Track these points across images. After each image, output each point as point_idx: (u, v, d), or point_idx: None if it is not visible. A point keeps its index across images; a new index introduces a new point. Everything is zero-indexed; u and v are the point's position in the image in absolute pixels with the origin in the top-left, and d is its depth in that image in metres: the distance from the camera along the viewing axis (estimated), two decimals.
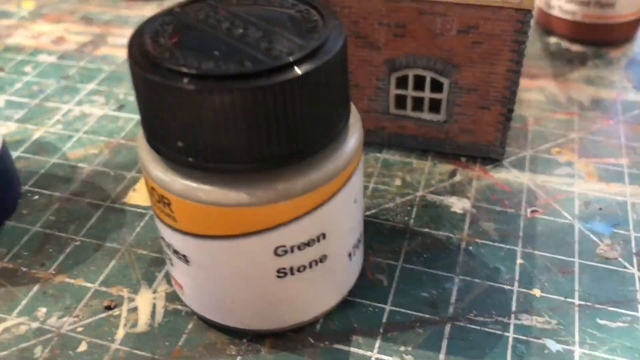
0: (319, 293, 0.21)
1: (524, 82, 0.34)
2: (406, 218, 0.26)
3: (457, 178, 0.28)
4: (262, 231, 0.18)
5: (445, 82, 0.27)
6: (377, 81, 0.27)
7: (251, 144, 0.17)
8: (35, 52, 0.39)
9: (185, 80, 0.16)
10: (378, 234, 0.25)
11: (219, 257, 0.19)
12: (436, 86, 0.27)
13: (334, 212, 0.19)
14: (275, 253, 0.19)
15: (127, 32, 0.40)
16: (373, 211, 0.26)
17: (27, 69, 0.37)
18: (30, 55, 0.39)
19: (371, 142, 0.29)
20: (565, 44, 0.37)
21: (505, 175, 0.28)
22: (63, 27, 0.42)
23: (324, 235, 0.19)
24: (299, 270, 0.20)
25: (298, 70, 0.16)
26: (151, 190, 0.19)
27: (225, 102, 0.16)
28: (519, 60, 0.25)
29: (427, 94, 0.27)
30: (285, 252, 0.19)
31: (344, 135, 0.19)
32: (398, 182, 0.27)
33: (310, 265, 0.20)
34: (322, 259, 0.20)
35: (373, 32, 0.26)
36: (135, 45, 0.17)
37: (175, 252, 0.20)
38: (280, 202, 0.18)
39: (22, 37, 0.41)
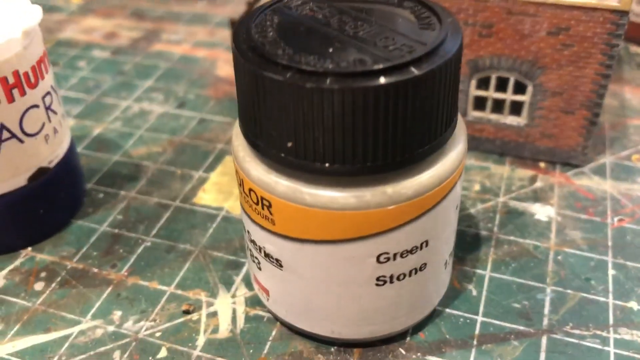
0: (414, 302, 0.20)
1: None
2: (489, 225, 0.25)
3: (539, 184, 0.27)
4: (367, 237, 0.17)
5: (530, 84, 0.26)
6: None
7: (365, 146, 0.16)
8: (88, 47, 0.38)
9: (302, 77, 0.15)
10: (462, 241, 0.24)
11: (318, 263, 0.18)
12: (519, 88, 0.26)
13: (438, 218, 0.18)
14: (378, 260, 0.18)
15: (181, 29, 0.40)
16: None
17: (82, 64, 0.37)
18: (83, 50, 0.38)
19: None
20: (634, 49, 0.36)
21: (588, 182, 0.27)
22: (114, 22, 0.41)
23: (427, 243, 0.18)
24: (398, 279, 0.19)
25: (420, 69, 0.15)
26: (248, 192, 0.18)
27: (346, 102, 0.15)
28: (609, 64, 0.24)
29: (509, 96, 0.26)
30: (388, 259, 0.18)
31: (451, 140, 0.18)
32: (477, 187, 0.27)
33: (410, 274, 0.19)
34: (422, 267, 0.19)
35: None
36: (242, 40, 0.17)
37: (267, 255, 0.19)
38: (388, 207, 0.17)
39: (74, 32, 0.40)
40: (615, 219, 0.25)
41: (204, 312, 0.22)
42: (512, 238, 0.24)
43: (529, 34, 0.24)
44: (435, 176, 0.17)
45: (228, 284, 0.23)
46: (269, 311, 0.21)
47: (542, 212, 0.25)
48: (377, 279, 0.18)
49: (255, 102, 0.16)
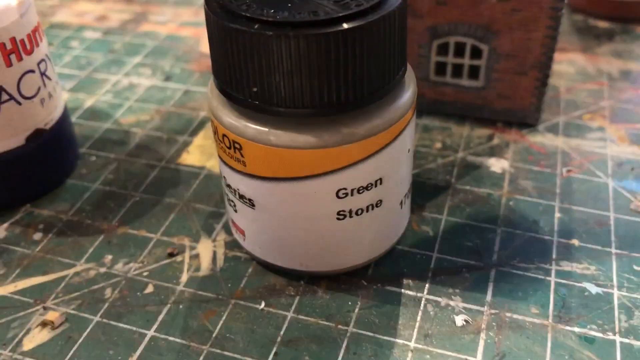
0: (373, 237, 0.22)
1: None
2: (448, 177, 0.27)
3: (495, 141, 0.29)
4: (326, 173, 0.20)
5: (485, 48, 0.28)
6: (419, 48, 0.29)
7: (320, 89, 0.18)
8: (80, 29, 0.40)
9: (264, 27, 0.17)
10: (422, 191, 0.26)
11: (285, 199, 0.20)
12: (476, 53, 0.29)
13: (391, 158, 0.21)
14: (337, 195, 0.20)
15: (167, 11, 0.42)
16: (416, 171, 0.27)
17: (74, 44, 0.39)
18: (75, 32, 0.40)
19: None
20: (592, 21, 0.38)
21: (541, 139, 0.29)
22: (104, 6, 0.43)
23: (381, 180, 0.21)
24: (357, 214, 0.21)
25: (366, 19, 0.18)
26: (222, 138, 0.21)
27: (302, 48, 0.17)
28: (555, 27, 0.27)
29: (466, 61, 0.29)
30: (346, 194, 0.20)
31: (401, 85, 0.20)
32: (438, 145, 0.29)
33: (367, 209, 0.21)
34: (378, 203, 0.21)
35: (416, 1, 0.27)
36: (213, 0, 0.19)
37: (241, 197, 0.21)
38: (344, 145, 0.19)
39: (66, 16, 0.42)
40: (564, 170, 0.27)
41: (187, 254, 0.24)
42: (468, 187, 0.26)
43: (481, 1, 0.27)
44: (385, 119, 0.20)
45: (209, 231, 0.25)
46: (246, 252, 0.24)
47: (497, 165, 0.28)
48: (338, 214, 0.21)
49: (224, 53, 0.19)
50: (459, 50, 0.29)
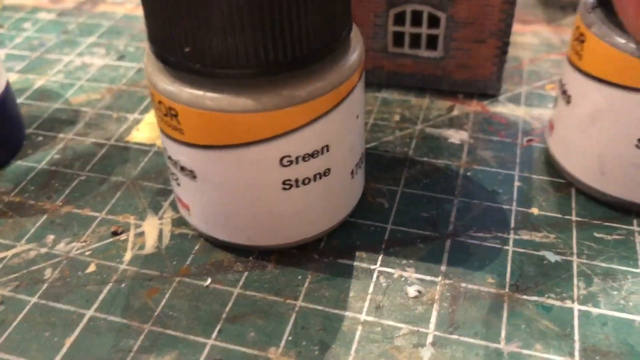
0: (322, 208, 0.21)
1: (518, 28, 0.34)
2: (405, 149, 0.26)
3: (455, 112, 0.28)
4: (267, 140, 0.19)
5: (442, 16, 0.27)
6: (375, 18, 0.28)
7: (256, 48, 0.17)
8: (34, 10, 0.39)
9: None
10: (378, 164, 0.26)
11: (226, 168, 0.19)
12: (433, 22, 0.28)
13: (336, 124, 0.20)
14: (281, 163, 0.19)
15: None
16: (373, 144, 0.27)
17: (27, 25, 0.37)
18: (29, 14, 0.39)
19: (370, 82, 0.30)
20: None
21: (502, 109, 0.28)
22: None
23: (327, 148, 0.20)
24: (304, 183, 0.20)
25: None
26: (158, 105, 0.19)
27: (231, 2, 0.16)
28: None
29: (424, 30, 0.28)
30: (291, 162, 0.19)
31: (345, 47, 0.19)
32: (397, 117, 0.28)
33: (315, 178, 0.20)
34: (326, 172, 0.20)
35: None
36: None
37: (183, 168, 0.20)
38: (284, 109, 0.18)
39: None
40: (525, 140, 0.27)
41: (132, 232, 0.23)
42: (425, 159, 0.26)
43: None
44: (328, 81, 0.19)
45: (156, 208, 0.24)
46: (193, 228, 0.23)
47: (456, 136, 0.27)
48: (284, 183, 0.20)
49: (154, 12, 0.18)
50: (416, 19, 0.28)
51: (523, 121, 0.28)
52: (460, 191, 0.24)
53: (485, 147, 0.26)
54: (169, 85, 0.19)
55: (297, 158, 0.19)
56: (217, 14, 0.17)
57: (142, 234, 0.23)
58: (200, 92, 0.18)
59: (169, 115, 0.19)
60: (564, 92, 0.23)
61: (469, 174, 0.25)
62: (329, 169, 0.20)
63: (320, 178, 0.20)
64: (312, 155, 0.20)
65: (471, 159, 0.26)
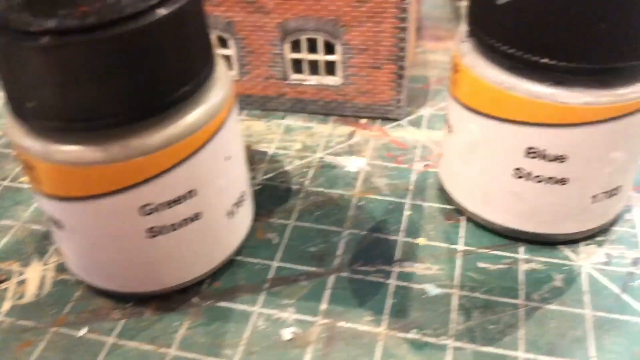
0: (197, 252, 0.21)
1: (430, 45, 0.34)
2: (302, 179, 0.26)
3: (356, 139, 0.28)
4: (123, 190, 0.18)
5: (337, 43, 0.27)
6: (272, 46, 0.28)
7: (99, 101, 0.17)
8: None
9: (27, 38, 0.16)
10: (273, 196, 0.25)
11: (87, 219, 0.19)
12: (329, 48, 0.27)
13: (202, 167, 0.19)
14: (142, 212, 0.19)
15: None
16: (270, 175, 0.26)
17: None
18: None
19: (274, 108, 0.30)
20: None
21: (403, 134, 0.28)
22: None
23: (194, 193, 0.19)
24: (172, 229, 0.20)
25: (142, 21, 0.16)
26: (19, 158, 0.19)
27: (67, 57, 0.16)
28: (404, 17, 0.26)
29: (321, 57, 0.28)
30: (153, 210, 0.19)
31: (207, 88, 0.19)
32: (298, 146, 0.28)
33: (184, 224, 0.20)
34: (196, 216, 0.20)
35: None
36: None
37: (51, 218, 0.20)
38: (137, 159, 0.18)
39: None
40: (421, 165, 0.26)
41: (14, 280, 0.23)
42: (320, 189, 0.25)
43: None
44: (183, 126, 0.18)
45: (42, 253, 0.24)
46: (72, 274, 0.22)
47: (353, 164, 0.27)
48: (149, 231, 0.19)
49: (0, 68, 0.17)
50: (313, 46, 0.28)
51: (422, 145, 0.27)
52: (350, 223, 0.24)
53: (381, 174, 0.26)
54: (22, 139, 0.18)
55: (159, 205, 0.19)
56: (53, 69, 0.16)
57: (23, 281, 0.23)
58: (50, 146, 0.18)
59: (27, 167, 0.19)
60: (447, 121, 0.23)
61: (361, 203, 0.25)
62: (198, 213, 0.20)
63: (190, 223, 0.20)
64: (177, 201, 0.19)
65: (365, 187, 0.25)
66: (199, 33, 0.18)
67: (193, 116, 0.18)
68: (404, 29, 0.26)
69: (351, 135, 0.28)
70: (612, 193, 0.21)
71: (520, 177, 0.21)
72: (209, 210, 0.20)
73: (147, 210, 0.19)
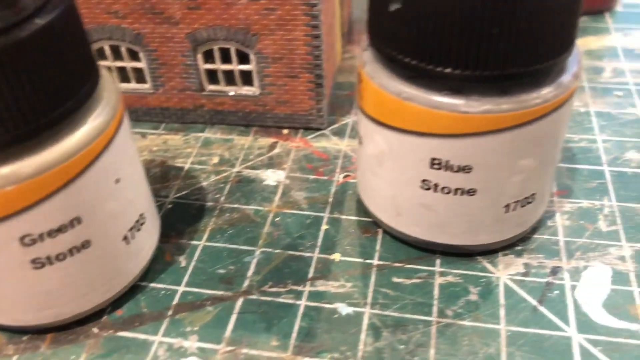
0: (93, 281, 0.20)
1: (359, 50, 0.33)
2: (217, 195, 0.25)
3: (277, 150, 0.27)
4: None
5: (251, 52, 0.26)
6: (184, 57, 0.26)
7: None
8: None
9: None
10: (185, 215, 0.24)
11: None
12: (243, 58, 0.26)
13: (85, 194, 0.18)
14: (23, 243, 0.18)
15: None
16: (184, 192, 0.25)
17: None
18: None
19: (192, 121, 0.28)
20: None
21: (325, 144, 0.27)
22: None
23: (79, 220, 0.18)
24: (58, 259, 0.18)
25: (7, 37, 0.15)
26: None
27: None
28: (315, 24, 0.25)
29: (235, 67, 0.27)
30: (34, 241, 0.18)
31: (86, 108, 0.18)
32: (215, 160, 0.27)
33: (71, 253, 0.19)
34: (85, 244, 0.19)
35: (167, 6, 0.25)
36: None
37: None
38: (9, 187, 0.17)
39: None
40: (341, 176, 0.25)
41: None
42: (235, 206, 0.24)
43: (233, 2, 0.24)
44: (59, 152, 0.17)
45: None
46: None
47: (272, 177, 0.26)
48: (33, 262, 0.18)
49: None
50: (226, 56, 0.26)
51: (344, 156, 0.26)
52: (264, 240, 0.23)
53: (300, 187, 0.25)
54: None
55: (40, 235, 0.18)
56: None
57: None
58: None
59: None
60: (358, 132, 0.22)
61: (277, 219, 0.24)
62: (87, 241, 0.19)
63: (79, 251, 0.19)
64: (60, 230, 0.18)
65: (283, 202, 0.24)
66: (75, 47, 0.17)
67: (71, 139, 0.17)
68: (317, 37, 0.25)
69: (272, 147, 0.27)
70: (526, 201, 0.21)
71: (428, 188, 0.20)
72: (100, 237, 0.19)
73: (28, 241, 0.18)
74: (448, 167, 0.19)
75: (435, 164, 0.19)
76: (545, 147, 0.19)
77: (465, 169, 0.19)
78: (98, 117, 0.18)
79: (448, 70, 0.17)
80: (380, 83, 0.19)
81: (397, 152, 0.20)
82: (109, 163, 0.19)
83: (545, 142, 0.19)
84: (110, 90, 0.19)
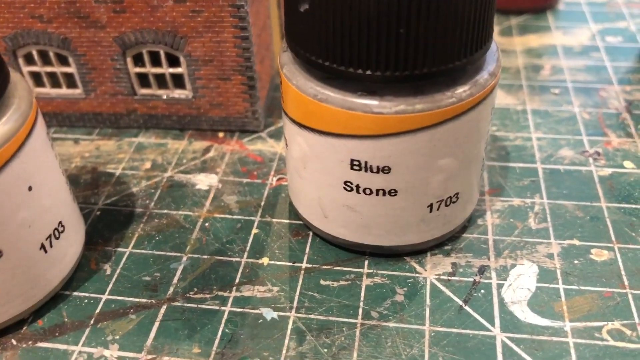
0: (9, 291, 0.19)
1: None
2: (147, 201, 0.24)
3: (211, 154, 0.27)
4: None
5: (180, 55, 0.26)
6: (113, 61, 0.26)
7: None
8: None
9: None
10: (114, 222, 0.24)
11: None
12: (173, 61, 0.26)
13: None
14: None
15: None
16: (113, 199, 0.25)
17: None
18: None
19: (126, 126, 0.28)
20: None
21: (261, 147, 0.27)
22: None
23: None
24: None
25: None
26: None
27: None
28: (244, 26, 0.24)
29: (166, 70, 0.26)
30: None
31: None
32: (148, 165, 0.26)
33: None
34: None
35: (92, 10, 0.25)
36: None
37: None
38: None
39: None
40: (275, 179, 0.25)
41: None
42: (165, 211, 0.24)
43: (158, 5, 0.24)
44: None
45: None
46: None
47: (205, 181, 0.25)
48: None
49: None
50: (156, 59, 0.26)
51: (279, 158, 0.26)
52: (192, 246, 0.23)
53: (233, 191, 0.25)
54: None
55: None
56: None
57: None
58: None
59: None
60: (284, 135, 0.22)
61: (207, 224, 0.23)
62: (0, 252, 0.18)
63: None
64: None
65: (214, 206, 0.24)
66: None
67: None
68: (246, 38, 0.25)
69: (206, 150, 0.27)
70: (450, 201, 0.21)
71: (350, 190, 0.20)
72: (13, 246, 0.19)
73: None
74: (367, 168, 0.19)
75: (355, 165, 0.19)
76: (465, 146, 0.19)
77: (384, 170, 0.19)
78: (6, 124, 0.18)
79: (360, 71, 0.17)
80: (298, 85, 0.19)
81: (318, 154, 0.20)
82: (20, 170, 0.18)
83: (464, 141, 0.19)
84: (22, 97, 0.19)
